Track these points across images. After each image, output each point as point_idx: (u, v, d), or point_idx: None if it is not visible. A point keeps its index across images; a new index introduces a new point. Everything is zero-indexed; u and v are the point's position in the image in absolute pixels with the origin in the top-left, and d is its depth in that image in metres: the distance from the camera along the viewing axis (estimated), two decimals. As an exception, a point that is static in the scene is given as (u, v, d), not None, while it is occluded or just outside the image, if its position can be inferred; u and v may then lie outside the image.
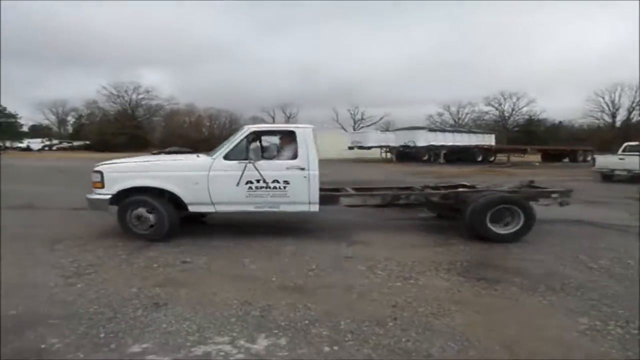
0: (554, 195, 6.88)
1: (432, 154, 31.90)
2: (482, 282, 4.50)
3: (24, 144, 58.47)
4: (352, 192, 7.26)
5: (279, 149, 6.68)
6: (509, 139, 59.04)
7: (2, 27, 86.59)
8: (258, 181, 6.09)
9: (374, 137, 36.50)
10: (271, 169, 6.16)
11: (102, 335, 3.18)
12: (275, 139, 6.89)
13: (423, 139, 31.17)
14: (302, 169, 6.18)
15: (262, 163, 6.17)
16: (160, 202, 6.13)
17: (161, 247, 5.76)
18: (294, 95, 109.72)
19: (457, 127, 60.39)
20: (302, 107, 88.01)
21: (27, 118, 65.52)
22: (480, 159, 31.45)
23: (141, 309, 3.67)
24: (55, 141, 65.26)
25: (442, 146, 31.54)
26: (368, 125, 75.93)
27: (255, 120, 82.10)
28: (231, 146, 6.26)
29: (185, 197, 6.16)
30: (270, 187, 6.12)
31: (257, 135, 6.58)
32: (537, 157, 34.82)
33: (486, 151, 32.12)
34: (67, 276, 4.54)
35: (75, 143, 64.40)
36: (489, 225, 6.17)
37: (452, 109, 74.51)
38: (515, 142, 50.71)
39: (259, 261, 5.21)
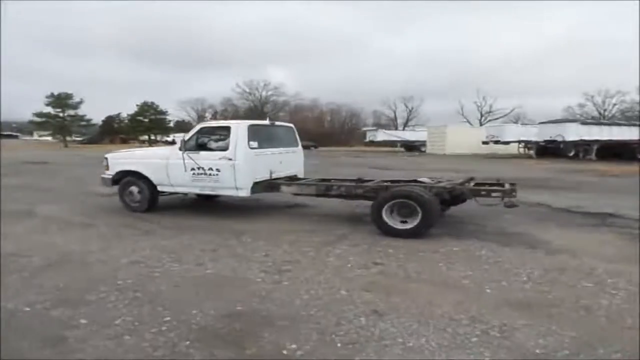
0: (494, 195, 6.32)
1: (580, 149, 28.41)
2: None
3: (170, 138, 65.27)
4: (291, 181, 7.77)
5: (219, 142, 7.62)
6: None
7: (159, 37, 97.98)
8: (199, 168, 7.19)
9: (513, 131, 33.50)
10: (208, 158, 7.20)
11: (338, 344, 2.94)
12: (222, 134, 7.68)
13: (573, 133, 27.82)
14: (230, 159, 6.99)
15: (202, 153, 7.28)
16: (143, 183, 7.68)
17: (345, 245, 5.57)
18: (416, 87, 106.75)
19: (602, 119, 53.40)
20: (425, 99, 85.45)
21: (173, 115, 72.57)
22: (642, 155, 27.25)
23: (363, 316, 3.39)
24: (196, 135, 71.73)
25: (595, 141, 27.89)
26: (497, 118, 71.05)
27: (375, 114, 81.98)
28: (185, 139, 7.37)
29: (154, 179, 7.65)
30: (207, 174, 7.18)
31: (206, 130, 7.85)
32: None
33: (653, 147, 27.66)
34: (268, 271, 4.50)
35: (212, 137, 70.24)
36: (385, 219, 6.07)
37: (597, 98, 65.96)
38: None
39: (456, 267, 4.72)
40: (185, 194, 8.30)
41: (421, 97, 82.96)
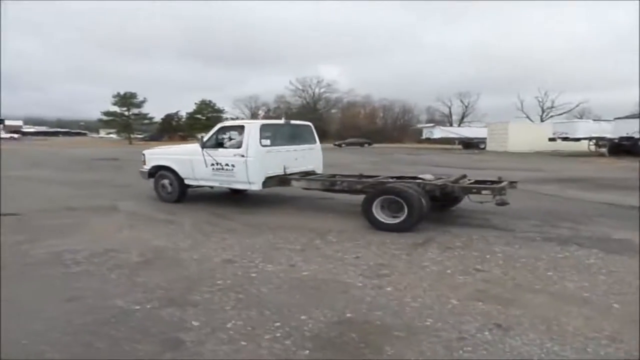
0: (484, 192, 6.34)
1: (660, 147, 26.19)
2: None
3: (226, 135, 66.97)
4: (300, 177, 8.11)
5: (234, 140, 8.28)
6: None
7: (215, 37, 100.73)
8: (217, 164, 7.82)
9: (584, 128, 31.31)
10: (225, 155, 7.81)
11: (469, 362, 2.70)
12: (238, 132, 8.34)
13: (655, 129, 25.70)
14: (243, 156, 7.52)
15: (220, 150, 7.92)
16: (174, 176, 8.44)
17: (435, 248, 5.29)
18: (471, 82, 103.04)
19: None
20: (481, 94, 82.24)
21: (229, 113, 74.32)
22: None
23: (485, 330, 3.12)
24: (249, 132, 73.16)
25: (681, 137, 25.65)
26: (560, 114, 67.29)
27: (429, 110, 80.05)
28: (207, 137, 8.09)
29: (181, 173, 8.41)
30: (224, 169, 7.80)
31: (224, 130, 8.48)
32: None
33: None
34: (366, 275, 4.31)
35: (265, 134, 71.20)
36: (374, 213, 6.29)
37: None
38: None
39: (568, 276, 4.32)
40: (211, 187, 8.74)
41: (477, 92, 79.33)
